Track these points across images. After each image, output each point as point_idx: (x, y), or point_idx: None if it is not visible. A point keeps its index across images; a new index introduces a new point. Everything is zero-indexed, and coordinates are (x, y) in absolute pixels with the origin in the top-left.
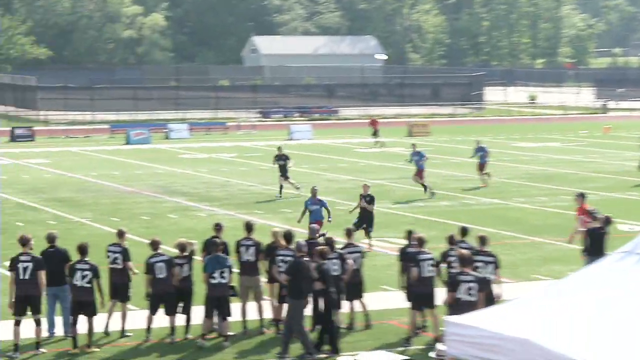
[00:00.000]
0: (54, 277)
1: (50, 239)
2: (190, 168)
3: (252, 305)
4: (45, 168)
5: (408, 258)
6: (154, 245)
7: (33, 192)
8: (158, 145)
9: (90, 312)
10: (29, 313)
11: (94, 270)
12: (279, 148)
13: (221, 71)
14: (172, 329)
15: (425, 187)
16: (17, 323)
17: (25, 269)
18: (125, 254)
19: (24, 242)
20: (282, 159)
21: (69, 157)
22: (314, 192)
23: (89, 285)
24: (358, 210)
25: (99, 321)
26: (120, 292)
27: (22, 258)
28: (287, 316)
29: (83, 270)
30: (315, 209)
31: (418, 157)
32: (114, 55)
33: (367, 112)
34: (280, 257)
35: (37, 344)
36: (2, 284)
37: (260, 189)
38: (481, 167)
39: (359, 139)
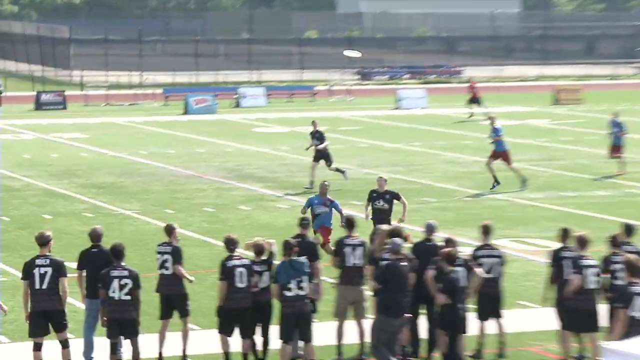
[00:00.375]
0: (97, 286)
1: (95, 236)
2: (267, 145)
3: (351, 325)
4: (80, 145)
5: (565, 264)
6: (231, 244)
7: (65, 175)
8: (226, 115)
9: (133, 332)
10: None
11: (135, 279)
12: (313, 122)
13: (307, 19)
14: (245, 355)
15: (501, 165)
16: (37, 347)
17: (42, 275)
18: (176, 255)
19: (43, 241)
20: (316, 137)
21: (111, 130)
22: (323, 188)
23: (128, 297)
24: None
25: (148, 344)
26: (176, 304)
27: (39, 262)
28: (372, 338)
29: (121, 278)
30: (323, 211)
31: (495, 134)
32: (168, 0)
33: (499, 72)
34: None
35: None
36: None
37: (359, 173)
38: (615, 149)
39: (489, 107)
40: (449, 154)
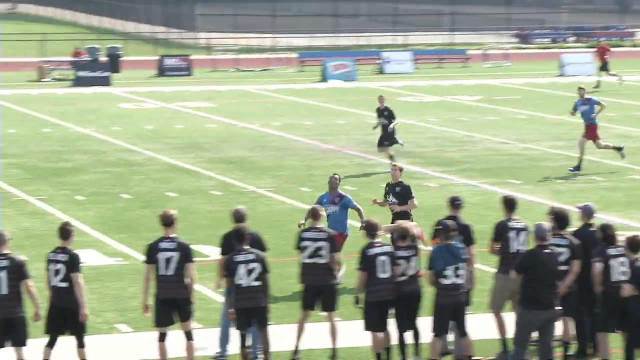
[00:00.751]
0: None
1: (238, 217)
2: (414, 116)
3: (511, 317)
4: (207, 115)
5: None
6: (372, 229)
7: (190, 148)
8: (367, 83)
9: (263, 322)
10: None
11: (262, 262)
12: (380, 98)
13: None
14: (388, 350)
15: (619, 149)
16: (162, 338)
17: (168, 260)
18: (333, 243)
19: (168, 221)
20: (384, 116)
21: (241, 99)
22: (332, 182)
23: (257, 283)
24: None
25: (281, 335)
26: (323, 297)
27: (164, 245)
28: (514, 335)
29: (248, 262)
30: (332, 211)
31: (587, 107)
32: None
33: None
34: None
35: None
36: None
37: (517, 147)
38: None
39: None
40: (620, 127)
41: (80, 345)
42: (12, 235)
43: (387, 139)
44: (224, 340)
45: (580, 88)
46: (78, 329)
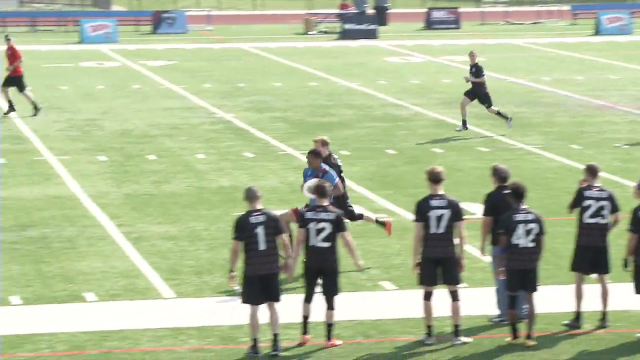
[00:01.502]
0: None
1: (502, 175)
2: None
3: None
4: None
5: None
6: None
7: (457, 103)
8: None
9: (534, 286)
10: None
11: (541, 222)
12: (471, 54)
13: None
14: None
15: None
16: (428, 296)
17: (439, 218)
18: (614, 203)
19: (437, 178)
20: (471, 72)
21: (512, 53)
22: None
23: (533, 244)
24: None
25: (547, 297)
26: (598, 258)
27: (435, 203)
28: None
29: (527, 222)
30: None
31: None
32: None
33: None
34: None
35: (456, 327)
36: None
37: None
38: None
39: None
40: None
41: (330, 307)
42: (277, 190)
43: (474, 95)
44: (503, 303)
45: None
46: (331, 288)
